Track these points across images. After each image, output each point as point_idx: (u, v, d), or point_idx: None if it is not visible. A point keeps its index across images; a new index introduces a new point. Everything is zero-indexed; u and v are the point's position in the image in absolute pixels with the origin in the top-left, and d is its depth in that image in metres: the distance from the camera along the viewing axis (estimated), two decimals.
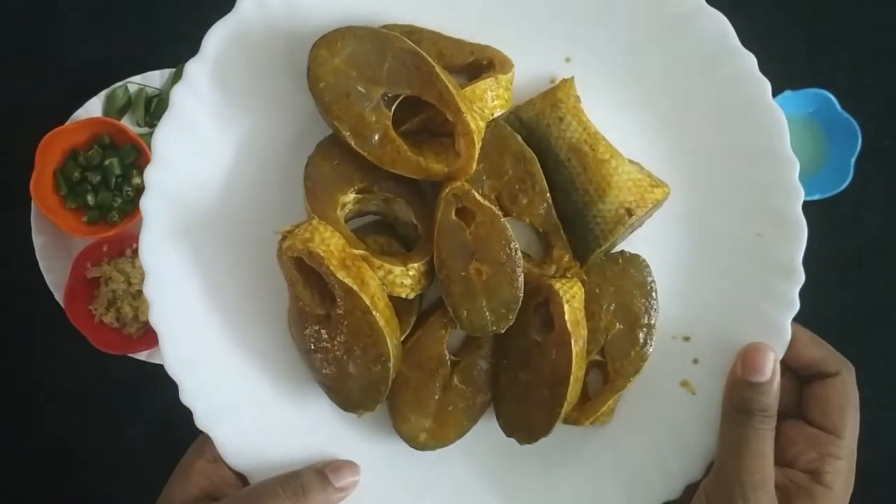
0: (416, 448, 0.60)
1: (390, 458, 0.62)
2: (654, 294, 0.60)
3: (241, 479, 0.60)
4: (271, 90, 0.60)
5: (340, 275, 0.54)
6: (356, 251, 0.56)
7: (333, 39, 0.56)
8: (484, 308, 0.57)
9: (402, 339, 0.59)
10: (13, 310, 1.01)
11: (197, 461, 0.59)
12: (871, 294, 1.03)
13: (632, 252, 0.60)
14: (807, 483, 0.55)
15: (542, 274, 0.59)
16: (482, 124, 0.57)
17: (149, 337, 0.98)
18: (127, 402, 1.00)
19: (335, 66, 0.56)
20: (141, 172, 0.98)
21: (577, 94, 0.60)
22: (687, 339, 0.61)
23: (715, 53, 0.59)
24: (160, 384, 0.59)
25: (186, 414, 0.58)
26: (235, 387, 0.60)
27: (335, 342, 0.57)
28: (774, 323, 0.58)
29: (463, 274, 0.57)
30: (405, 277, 0.57)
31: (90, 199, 0.99)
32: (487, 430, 0.61)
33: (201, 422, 0.58)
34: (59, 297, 0.97)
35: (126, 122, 1.00)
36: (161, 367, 0.58)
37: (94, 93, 0.99)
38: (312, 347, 0.57)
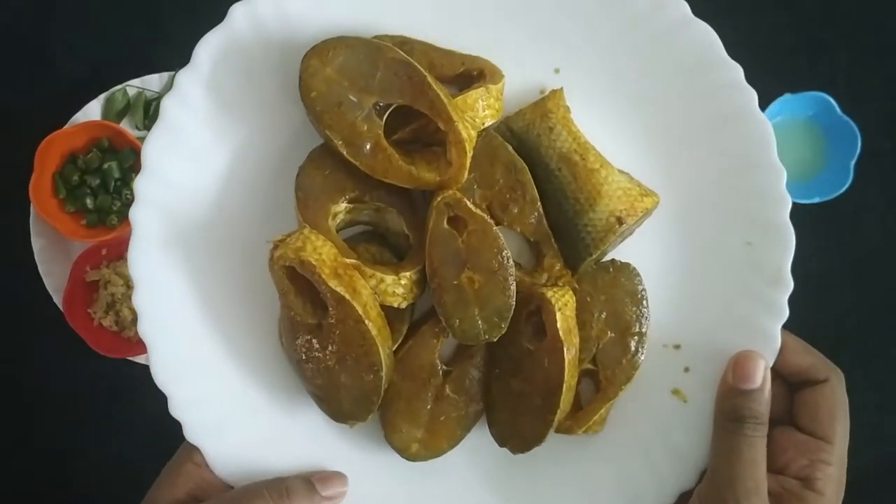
0: (408, 459, 0.60)
1: (382, 469, 0.61)
2: (644, 302, 0.60)
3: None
4: (263, 100, 0.60)
5: (332, 283, 0.54)
6: (348, 260, 0.56)
7: (325, 49, 0.56)
8: (476, 317, 0.57)
9: (393, 348, 0.59)
10: (12, 313, 1.01)
11: (185, 464, 0.59)
12: (871, 296, 1.03)
13: (622, 261, 0.60)
14: (798, 489, 0.55)
15: (534, 282, 0.59)
16: (473, 133, 0.56)
17: None
18: (126, 405, 1.00)
19: (327, 75, 0.56)
20: None
21: (567, 105, 0.60)
22: (678, 347, 0.61)
23: (702, 64, 0.59)
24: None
25: None
26: (226, 398, 0.60)
27: (327, 352, 0.56)
28: (764, 330, 0.58)
29: (455, 282, 0.57)
30: (397, 286, 0.57)
31: (89, 202, 0.99)
32: (480, 439, 0.61)
33: (191, 435, 0.59)
34: (57, 300, 0.98)
35: (125, 126, 1.00)
36: None
37: (93, 96, 0.99)
38: (304, 357, 0.57)
